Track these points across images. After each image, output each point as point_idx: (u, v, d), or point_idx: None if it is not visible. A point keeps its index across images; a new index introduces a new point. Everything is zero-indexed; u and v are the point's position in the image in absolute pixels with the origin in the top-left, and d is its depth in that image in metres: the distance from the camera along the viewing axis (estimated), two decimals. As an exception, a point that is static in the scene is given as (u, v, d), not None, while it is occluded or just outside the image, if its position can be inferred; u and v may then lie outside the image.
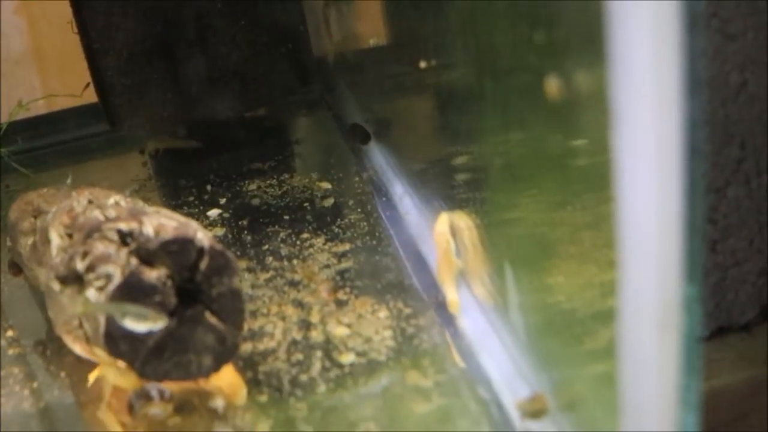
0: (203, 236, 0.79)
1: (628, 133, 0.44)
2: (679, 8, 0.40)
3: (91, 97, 1.39)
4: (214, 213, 1.17)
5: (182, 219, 0.82)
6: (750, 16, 1.01)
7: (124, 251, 0.79)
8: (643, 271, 0.48)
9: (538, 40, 0.72)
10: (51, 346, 0.93)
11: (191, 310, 0.78)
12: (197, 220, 1.13)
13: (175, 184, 1.29)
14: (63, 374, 0.89)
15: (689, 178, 0.42)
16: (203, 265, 0.79)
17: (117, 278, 0.77)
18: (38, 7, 1.52)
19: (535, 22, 0.72)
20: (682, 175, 0.42)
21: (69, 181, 0.99)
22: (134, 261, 0.78)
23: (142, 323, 0.77)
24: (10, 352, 0.93)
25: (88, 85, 1.35)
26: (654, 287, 0.47)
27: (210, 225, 1.14)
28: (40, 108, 1.52)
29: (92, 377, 0.85)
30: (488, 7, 0.82)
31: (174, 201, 1.23)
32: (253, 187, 1.24)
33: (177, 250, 0.78)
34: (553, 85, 0.69)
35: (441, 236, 0.91)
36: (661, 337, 0.48)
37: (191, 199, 1.23)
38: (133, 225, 0.80)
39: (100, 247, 0.80)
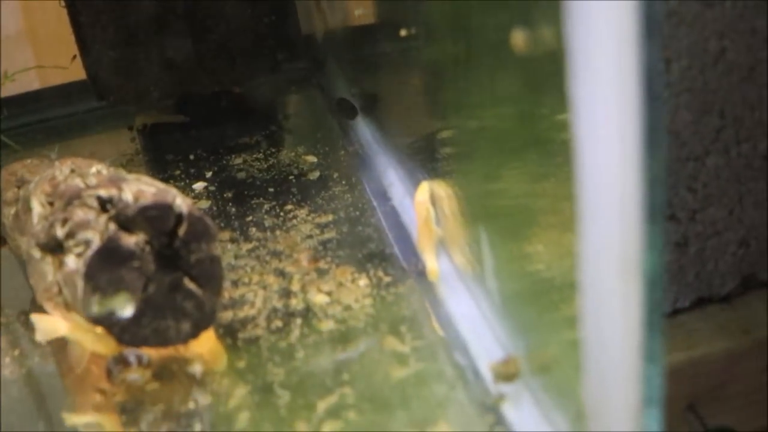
0: (182, 202, 0.79)
1: (587, 79, 0.44)
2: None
3: (80, 74, 1.39)
4: (199, 186, 1.18)
5: (161, 186, 0.82)
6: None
7: (104, 217, 0.79)
8: (605, 214, 0.48)
9: (507, 8, 0.72)
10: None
11: (170, 276, 0.78)
12: (183, 192, 1.13)
13: (163, 159, 1.29)
14: (44, 342, 0.89)
15: (649, 123, 0.42)
16: (182, 231, 0.79)
17: (96, 244, 0.77)
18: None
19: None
20: (641, 120, 0.42)
21: (55, 154, 0.99)
22: (113, 227, 0.78)
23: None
24: (-7, 321, 0.94)
25: (75, 57, 1.35)
26: (615, 230, 0.47)
27: (196, 198, 1.14)
28: (31, 85, 1.52)
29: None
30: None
31: (161, 174, 1.23)
32: (239, 161, 1.24)
33: (155, 215, 0.78)
34: (522, 48, 0.69)
35: (421, 204, 0.92)
36: (624, 280, 0.48)
37: (178, 173, 1.23)
38: (113, 191, 0.80)
39: (79, 214, 0.81)
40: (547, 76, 0.70)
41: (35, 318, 0.83)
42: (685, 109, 1.03)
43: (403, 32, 1.13)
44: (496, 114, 0.83)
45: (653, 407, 0.50)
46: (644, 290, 0.48)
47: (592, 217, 0.49)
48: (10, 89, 1.41)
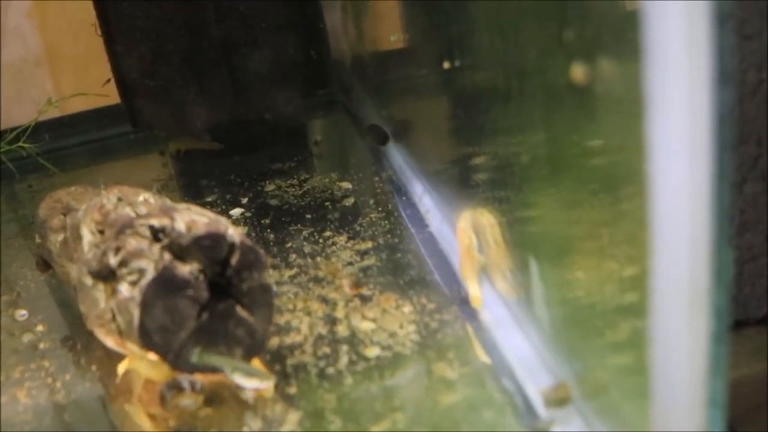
0: (234, 232, 0.81)
1: (662, 125, 0.46)
2: (709, 6, 0.42)
3: (113, 98, 1.41)
4: (236, 212, 1.19)
5: (212, 215, 0.84)
6: (767, 16, 1.03)
7: (157, 246, 0.81)
8: (675, 258, 0.50)
9: (557, 41, 0.74)
10: (81, 340, 0.94)
11: (222, 304, 0.80)
12: (220, 218, 1.15)
13: (197, 184, 1.31)
14: (94, 367, 0.90)
15: (719, 169, 0.44)
16: (234, 260, 0.81)
17: (150, 273, 0.79)
18: (50, 9, 1.54)
19: (553, 22, 0.74)
20: (712, 165, 0.43)
21: (102, 185, 1.01)
22: (167, 256, 0.80)
23: (249, 380, 0.79)
24: (42, 345, 0.95)
25: (108, 80, 1.37)
26: (686, 274, 0.49)
27: (233, 224, 1.16)
28: (60, 110, 1.54)
29: (123, 369, 0.87)
30: (507, 8, 0.84)
31: (196, 200, 1.25)
32: (274, 187, 1.26)
33: (209, 245, 0.80)
34: (571, 84, 0.71)
35: (463, 233, 0.93)
36: (691, 323, 0.50)
37: (213, 198, 1.25)
38: (165, 221, 0.82)
39: (132, 243, 0.82)
40: (586, 104, 0.72)
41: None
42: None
43: (433, 57, 1.15)
44: (533, 139, 0.85)
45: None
46: (711, 318, 0.49)
47: (663, 246, 0.51)
48: (45, 113, 1.43)
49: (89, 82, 1.43)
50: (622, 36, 0.55)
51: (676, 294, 0.51)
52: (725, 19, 0.41)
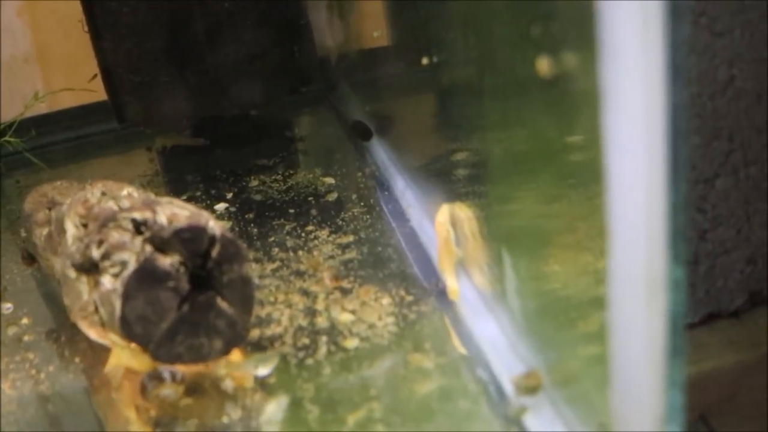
0: (215, 225, 0.83)
1: (617, 120, 0.47)
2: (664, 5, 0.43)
3: (100, 95, 1.42)
4: (221, 207, 1.21)
5: (194, 209, 0.86)
6: (737, 14, 1.05)
7: (139, 239, 0.82)
8: (631, 252, 0.51)
9: (534, 38, 0.75)
10: (65, 333, 0.96)
11: (203, 296, 0.82)
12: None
13: (183, 180, 1.32)
14: (77, 359, 0.92)
15: (673, 163, 0.45)
16: (215, 252, 0.82)
17: (132, 265, 0.80)
18: (41, 8, 1.55)
19: (530, 20, 0.75)
20: (667, 160, 0.45)
21: (89, 180, 1.02)
22: (149, 248, 0.81)
23: (269, 365, 0.83)
24: (26, 338, 0.97)
25: (95, 76, 1.38)
26: (641, 268, 0.51)
27: (217, 218, 1.17)
28: (47, 106, 1.55)
29: (107, 360, 0.88)
30: (486, 7, 0.85)
31: (182, 195, 1.26)
32: (258, 182, 1.27)
33: (190, 237, 0.81)
34: (547, 75, 0.72)
35: (441, 226, 0.95)
36: (648, 315, 0.51)
37: (198, 194, 1.26)
38: (147, 214, 0.84)
39: (115, 236, 0.84)
40: (563, 99, 0.73)
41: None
42: (695, 134, 1.07)
43: (416, 54, 1.17)
44: (513, 135, 0.86)
45: (675, 419, 0.54)
46: (668, 306, 0.51)
47: (620, 237, 0.53)
48: (33, 109, 1.44)
49: (79, 80, 1.44)
50: (586, 33, 0.56)
51: (632, 286, 0.52)
52: (680, 15, 0.43)
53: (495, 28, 0.85)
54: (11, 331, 0.98)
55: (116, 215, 0.86)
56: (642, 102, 0.44)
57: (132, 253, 0.81)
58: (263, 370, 0.84)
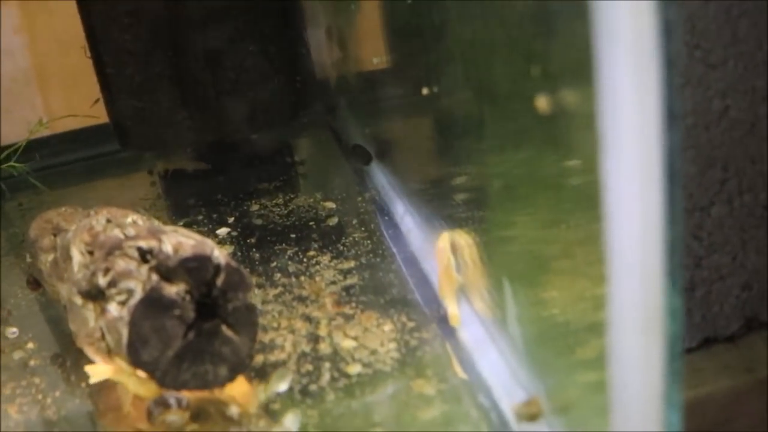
0: (219, 254, 0.84)
1: (615, 157, 0.49)
2: (658, 48, 0.45)
3: (102, 118, 1.44)
4: (223, 231, 1.22)
5: (199, 237, 0.87)
6: (730, 46, 1.07)
7: (145, 268, 0.84)
8: (629, 283, 0.53)
9: (533, 67, 0.77)
10: (70, 358, 0.97)
11: (208, 324, 0.83)
12: (207, 238, 1.18)
13: (184, 204, 1.34)
14: (83, 384, 0.93)
15: (670, 198, 0.47)
16: (219, 281, 0.83)
17: (138, 293, 0.82)
18: (40, 26, 1.56)
19: (529, 50, 0.77)
20: (663, 195, 0.47)
21: (93, 209, 1.03)
22: (155, 277, 0.82)
23: (287, 379, 0.87)
24: (32, 363, 0.98)
25: (97, 100, 1.40)
26: (639, 297, 0.52)
27: (219, 243, 1.19)
28: (51, 128, 1.56)
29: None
30: (486, 34, 0.87)
31: (184, 219, 1.27)
32: (259, 206, 1.28)
33: (195, 266, 0.83)
34: (546, 109, 0.74)
35: (442, 253, 0.96)
36: (646, 343, 0.53)
37: (200, 218, 1.27)
38: (153, 243, 0.85)
39: (121, 264, 0.85)
40: (560, 127, 0.75)
41: (88, 369, 0.88)
42: (691, 164, 1.09)
43: (416, 78, 1.18)
44: (511, 160, 0.88)
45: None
46: (666, 343, 0.52)
47: (618, 275, 0.54)
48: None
49: (79, 99, 1.45)
50: (581, 67, 0.58)
51: (630, 320, 0.54)
52: (672, 63, 0.44)
53: (494, 54, 0.87)
54: (17, 355, 0.99)
55: (122, 243, 0.88)
56: (638, 141, 0.46)
57: (138, 281, 0.82)
58: (283, 386, 0.86)
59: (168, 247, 0.84)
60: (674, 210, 0.47)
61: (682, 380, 0.55)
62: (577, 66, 0.67)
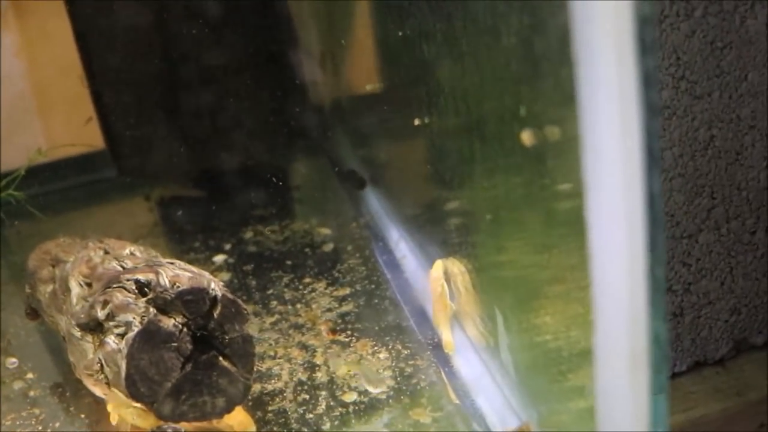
0: (216, 286, 0.85)
1: (598, 208, 0.51)
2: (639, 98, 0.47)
3: (99, 144, 1.44)
4: (219, 259, 1.23)
5: (196, 270, 0.88)
6: (715, 77, 1.09)
7: (142, 301, 0.85)
8: (615, 318, 0.54)
9: (525, 93, 0.78)
10: (70, 388, 0.98)
11: (205, 356, 0.84)
12: (204, 265, 1.19)
13: (181, 230, 1.34)
14: (83, 415, 0.94)
15: (652, 238, 0.48)
16: (216, 313, 0.84)
17: (136, 326, 0.83)
18: (40, 49, 1.57)
19: (520, 76, 0.78)
20: (646, 237, 0.48)
21: (90, 237, 1.04)
22: (152, 310, 0.84)
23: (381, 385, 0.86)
24: (32, 393, 0.99)
25: (90, 119, 1.40)
26: (625, 332, 0.54)
27: (216, 270, 1.19)
28: (48, 155, 1.56)
29: (111, 418, 0.90)
30: (477, 65, 0.88)
31: (181, 246, 1.28)
32: (255, 233, 1.29)
33: (192, 299, 0.84)
34: (531, 142, 0.75)
35: (436, 281, 0.98)
36: (633, 375, 0.54)
37: (197, 245, 1.28)
38: (151, 276, 0.86)
39: (119, 297, 0.86)
40: (550, 151, 0.76)
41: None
42: (678, 192, 1.11)
43: (409, 104, 1.19)
44: (502, 186, 0.89)
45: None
46: (651, 379, 0.54)
47: (603, 318, 0.55)
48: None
49: (78, 125, 1.45)
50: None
51: (616, 362, 0.55)
52: (655, 111, 0.46)
53: (487, 82, 0.88)
54: (17, 385, 1.00)
55: (120, 276, 0.89)
56: (624, 187, 0.48)
57: (136, 314, 0.84)
58: (375, 389, 0.87)
59: (165, 280, 0.85)
60: (656, 246, 0.48)
61: (667, 412, 0.56)
62: (563, 98, 0.68)
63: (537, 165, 0.79)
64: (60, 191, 1.57)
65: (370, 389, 0.83)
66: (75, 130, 1.46)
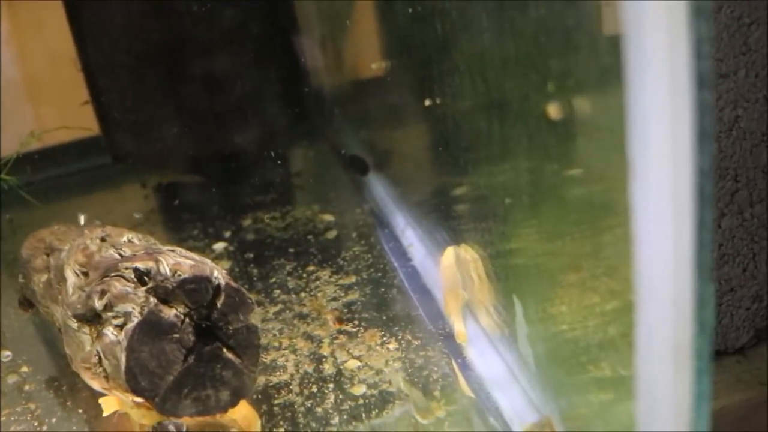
0: (219, 274, 0.82)
1: (646, 187, 0.47)
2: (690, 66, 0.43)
3: (95, 130, 1.41)
4: (219, 246, 1.20)
5: (198, 257, 0.84)
6: (741, 55, 1.05)
7: (142, 290, 0.81)
8: (659, 307, 0.51)
9: (537, 73, 0.75)
10: (66, 381, 0.94)
11: (209, 347, 0.80)
12: (203, 253, 1.15)
13: (179, 218, 1.31)
14: (80, 410, 0.91)
15: (700, 220, 0.45)
16: (220, 302, 0.81)
17: (136, 316, 0.79)
18: (31, 37, 1.54)
19: (533, 55, 0.75)
20: (694, 220, 0.44)
21: (82, 221, 1.00)
22: (152, 299, 0.80)
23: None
24: (27, 387, 0.95)
25: (86, 102, 1.37)
26: (669, 324, 0.50)
27: (216, 258, 1.16)
28: (40, 142, 1.54)
29: (108, 412, 0.87)
30: (488, 41, 0.85)
31: (179, 234, 1.25)
32: (256, 220, 1.26)
33: (194, 288, 0.80)
34: (557, 116, 0.72)
35: (447, 269, 0.94)
36: (676, 368, 0.51)
37: (196, 232, 1.25)
38: (150, 264, 0.82)
39: (117, 286, 0.83)
40: (564, 134, 0.72)
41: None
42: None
43: (413, 88, 1.16)
44: (514, 171, 0.86)
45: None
46: (695, 366, 0.50)
47: (647, 305, 0.52)
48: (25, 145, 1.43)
49: (71, 113, 1.43)
50: (604, 75, 0.56)
51: (660, 353, 0.51)
52: (705, 79, 0.42)
53: (498, 62, 0.85)
54: (11, 379, 0.97)
55: (118, 264, 0.85)
56: (670, 165, 0.44)
57: (135, 304, 0.80)
58: (423, 420, 0.82)
59: (166, 268, 0.82)
60: (704, 230, 0.44)
61: (710, 404, 0.53)
62: (593, 76, 0.65)
63: (554, 147, 0.75)
64: (54, 179, 1.54)
65: (419, 418, 0.79)
66: (68, 117, 1.43)
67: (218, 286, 0.81)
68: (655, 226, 0.47)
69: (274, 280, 1.09)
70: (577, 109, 0.66)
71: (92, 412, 0.89)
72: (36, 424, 0.89)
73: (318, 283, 1.06)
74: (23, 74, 1.55)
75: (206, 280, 0.81)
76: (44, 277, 0.99)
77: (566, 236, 0.78)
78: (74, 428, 0.88)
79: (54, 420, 0.90)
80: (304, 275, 1.09)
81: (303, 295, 1.04)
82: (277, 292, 1.06)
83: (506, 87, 0.84)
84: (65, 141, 1.54)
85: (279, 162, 1.45)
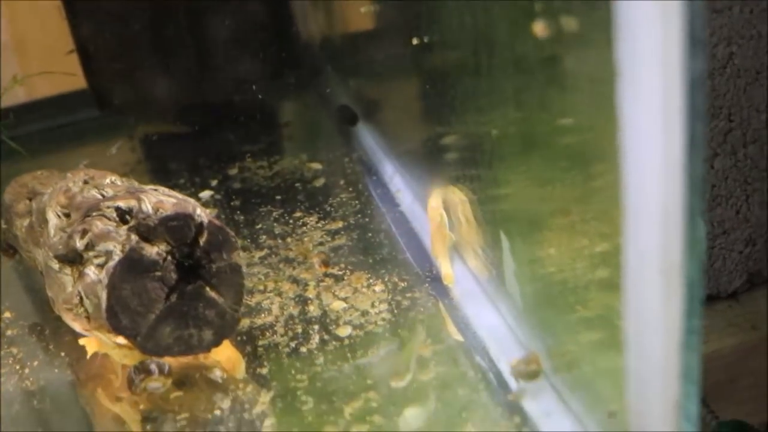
0: (202, 212, 0.80)
1: (633, 96, 0.45)
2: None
3: (80, 82, 1.39)
4: (206, 195, 1.18)
5: (180, 196, 0.83)
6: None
7: (124, 228, 0.80)
8: (648, 216, 0.49)
9: (527, 20, 0.73)
10: (49, 326, 0.93)
11: (191, 286, 0.79)
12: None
13: (166, 168, 1.30)
14: (63, 353, 0.89)
15: (691, 136, 0.43)
16: (202, 240, 0.80)
17: (117, 255, 0.78)
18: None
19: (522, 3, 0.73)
20: (684, 133, 0.43)
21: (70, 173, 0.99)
22: (134, 238, 0.79)
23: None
24: (9, 332, 0.94)
25: (72, 51, 1.35)
26: (658, 232, 0.49)
27: (203, 206, 1.14)
28: (26, 95, 1.52)
29: (91, 354, 0.86)
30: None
31: (165, 183, 1.23)
32: (243, 169, 1.24)
33: (176, 225, 0.79)
34: (543, 34, 0.70)
35: (434, 210, 0.93)
36: (665, 297, 0.49)
37: (182, 181, 1.23)
38: (132, 202, 0.81)
39: (99, 225, 0.81)
40: (553, 80, 0.71)
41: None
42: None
43: (403, 36, 1.14)
44: (503, 117, 0.84)
45: (691, 402, 0.52)
46: (685, 292, 0.49)
47: (635, 220, 0.51)
48: (11, 99, 1.41)
49: (57, 62, 1.40)
50: (592, 10, 0.54)
51: (648, 268, 0.50)
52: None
53: (484, 10, 0.83)
54: (-6, 325, 0.96)
55: (100, 204, 0.84)
56: (660, 77, 0.42)
57: (117, 242, 0.79)
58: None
59: (148, 207, 0.80)
60: (696, 149, 0.43)
61: (699, 336, 0.52)
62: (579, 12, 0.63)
63: (543, 92, 0.74)
64: (42, 132, 1.53)
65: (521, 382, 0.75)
66: (54, 67, 1.41)
67: (201, 223, 0.80)
68: (643, 138, 0.45)
69: (260, 226, 1.07)
70: (564, 26, 0.64)
71: (74, 354, 0.88)
72: (18, 367, 0.88)
73: (305, 228, 1.05)
74: (7, 24, 1.53)
75: (189, 217, 0.80)
76: (26, 222, 0.98)
77: (555, 182, 0.77)
78: (56, 371, 0.87)
79: (36, 363, 0.88)
80: (291, 221, 1.07)
81: (289, 240, 1.03)
82: (264, 237, 1.05)
83: (495, 31, 0.83)
84: (53, 94, 1.53)
85: (268, 112, 1.44)
